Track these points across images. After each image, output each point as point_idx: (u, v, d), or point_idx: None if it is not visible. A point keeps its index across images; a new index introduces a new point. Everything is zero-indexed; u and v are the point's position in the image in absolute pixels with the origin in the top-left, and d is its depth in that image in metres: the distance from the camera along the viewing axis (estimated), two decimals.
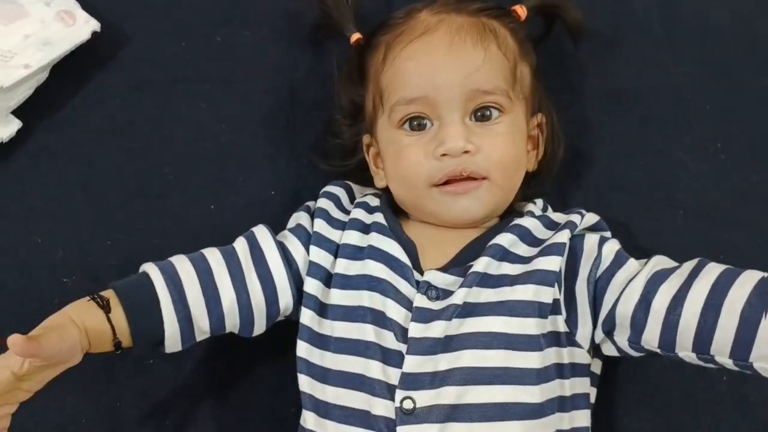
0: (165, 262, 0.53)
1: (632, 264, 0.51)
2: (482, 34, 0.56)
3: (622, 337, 0.51)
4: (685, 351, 0.47)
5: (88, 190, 0.66)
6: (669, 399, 0.59)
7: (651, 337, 0.48)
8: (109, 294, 0.50)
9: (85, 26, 0.68)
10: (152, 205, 0.66)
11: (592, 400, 0.53)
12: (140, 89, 0.69)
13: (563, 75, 0.69)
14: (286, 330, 0.56)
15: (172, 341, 0.51)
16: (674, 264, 0.51)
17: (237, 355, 0.61)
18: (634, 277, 0.50)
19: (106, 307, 0.49)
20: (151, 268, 0.52)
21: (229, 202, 0.65)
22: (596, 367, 0.55)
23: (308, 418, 0.50)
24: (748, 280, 0.46)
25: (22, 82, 0.66)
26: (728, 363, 0.46)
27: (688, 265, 0.49)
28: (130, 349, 0.50)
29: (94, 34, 0.68)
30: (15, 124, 0.67)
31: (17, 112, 0.67)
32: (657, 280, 0.49)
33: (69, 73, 0.68)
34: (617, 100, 0.69)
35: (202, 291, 0.52)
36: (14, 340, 0.42)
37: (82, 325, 0.48)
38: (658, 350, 0.49)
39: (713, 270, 0.48)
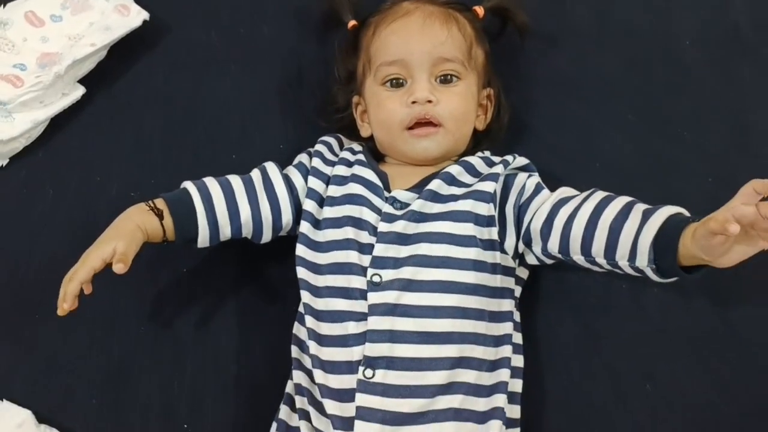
0: (200, 182, 0.71)
1: (545, 193, 0.69)
2: (447, 19, 0.74)
3: (536, 247, 0.68)
4: (576, 255, 0.65)
5: (137, 143, 0.85)
6: (584, 304, 0.76)
7: (553, 246, 0.66)
8: (159, 203, 0.68)
9: (137, 16, 0.87)
10: (187, 156, 0.84)
11: (517, 294, 0.71)
12: (178, 68, 0.89)
13: (513, 63, 0.87)
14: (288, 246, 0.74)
15: (202, 241, 0.70)
16: (576, 193, 0.68)
17: (246, 262, 0.79)
18: (545, 202, 0.68)
19: (160, 215, 0.67)
20: (190, 186, 0.70)
21: (248, 154, 0.82)
22: (522, 273, 0.72)
23: (304, 296, 0.67)
24: (619, 203, 0.63)
25: (87, 58, 0.85)
26: (603, 263, 0.63)
27: (584, 194, 0.67)
28: (172, 242, 0.69)
29: (144, 22, 0.87)
30: (80, 90, 0.86)
31: (82, 81, 0.86)
32: (559, 204, 0.67)
33: (123, 52, 0.87)
34: (555, 84, 0.87)
35: (226, 207, 0.70)
36: (119, 267, 0.61)
37: (144, 228, 0.66)
38: (560, 255, 0.66)
39: (598, 196, 0.65)
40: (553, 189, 0.72)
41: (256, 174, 0.73)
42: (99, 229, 0.68)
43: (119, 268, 0.61)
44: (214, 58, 0.89)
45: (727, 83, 0.86)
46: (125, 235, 0.65)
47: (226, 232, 0.70)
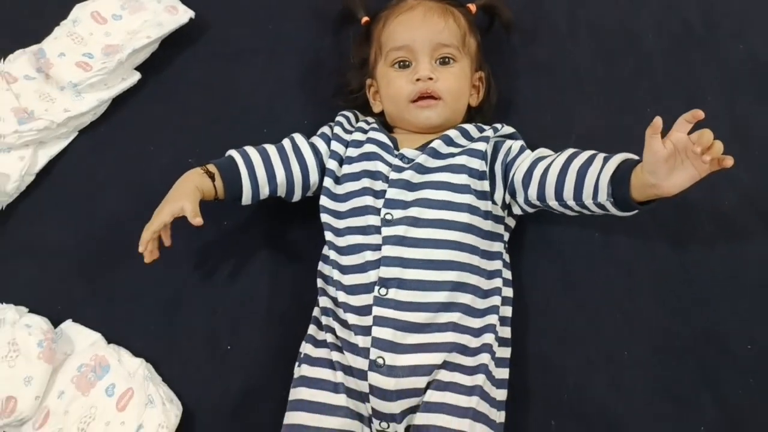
0: (242, 150, 0.85)
1: (527, 152, 0.83)
2: (444, 12, 0.89)
3: (520, 197, 0.81)
4: (551, 200, 0.78)
5: (183, 118, 1.00)
6: (562, 250, 0.90)
7: (533, 193, 0.79)
8: (211, 168, 0.82)
9: (184, 14, 1.03)
10: (225, 130, 0.98)
11: (506, 239, 0.85)
12: (217, 57, 1.04)
13: (500, 54, 1.02)
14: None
15: (246, 199, 0.84)
16: (551, 152, 0.82)
17: (277, 218, 0.93)
18: (526, 159, 0.81)
19: (212, 178, 0.81)
20: (235, 154, 0.84)
21: (276, 129, 0.95)
22: (510, 222, 0.86)
23: (327, 236, 0.81)
24: (585, 154, 0.77)
25: (142, 49, 1.01)
26: (573, 204, 0.76)
27: (559, 151, 0.81)
28: (222, 200, 0.83)
29: (190, 19, 1.03)
30: (136, 76, 1.02)
31: (138, 68, 1.02)
32: (537, 160, 0.80)
33: (171, 44, 1.03)
34: (535, 70, 1.02)
35: (264, 170, 0.84)
36: (197, 221, 0.76)
37: (200, 188, 0.80)
38: (538, 202, 0.79)
39: (569, 151, 0.78)
40: None
41: (286, 142, 0.88)
42: (151, 190, 0.82)
43: (197, 222, 0.76)
44: (246, 48, 1.04)
45: (682, 69, 1.01)
46: (188, 195, 0.78)
47: (264, 191, 0.84)
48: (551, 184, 0.77)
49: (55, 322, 0.86)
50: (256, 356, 0.86)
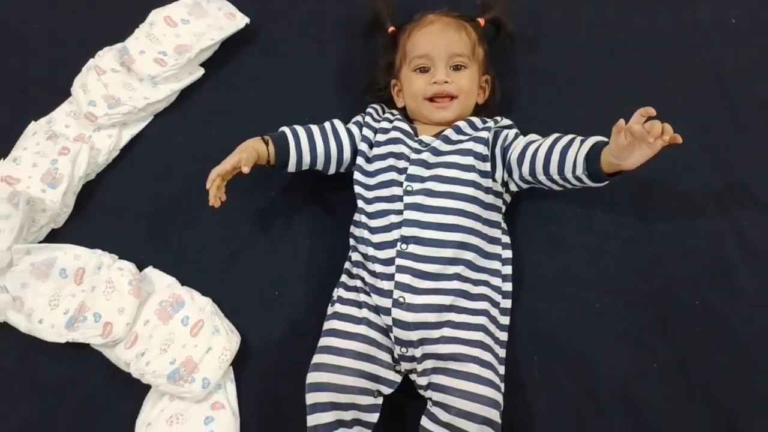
0: (291, 127, 1.04)
1: (521, 138, 1.01)
2: (459, 27, 1.09)
3: (515, 174, 1.00)
4: (540, 175, 0.96)
5: (239, 107, 1.20)
6: (550, 220, 1.09)
7: (525, 171, 0.97)
8: (266, 137, 1.02)
9: (241, 20, 1.23)
10: (272, 117, 1.15)
11: (504, 211, 1.04)
12: (267, 57, 1.24)
13: (504, 59, 1.21)
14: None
15: (291, 165, 1.03)
16: (541, 137, 1.01)
17: (315, 189, 1.12)
18: (520, 142, 1.00)
19: (267, 145, 1.01)
20: (285, 128, 1.04)
21: (315, 118, 1.11)
22: (506, 197, 1.05)
23: (359, 203, 1.01)
24: (568, 137, 0.94)
25: (207, 49, 1.21)
26: (558, 179, 0.94)
27: (546, 136, 1.00)
28: (273, 167, 1.02)
29: (246, 25, 1.23)
30: (201, 71, 1.22)
31: (202, 65, 1.22)
32: (530, 143, 0.98)
33: (230, 45, 1.23)
34: (533, 73, 1.21)
35: (308, 142, 1.03)
36: (246, 168, 0.95)
37: (257, 150, 0.99)
38: (530, 178, 0.97)
39: (555, 135, 0.96)
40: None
41: (327, 124, 1.07)
42: (213, 164, 1.01)
43: (245, 169, 0.95)
44: (291, 51, 1.25)
45: (656, 72, 1.20)
46: (246, 150, 0.98)
47: (306, 160, 1.03)
48: (540, 162, 0.95)
49: (139, 268, 1.06)
50: (298, 300, 1.05)
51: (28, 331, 1.01)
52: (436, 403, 0.89)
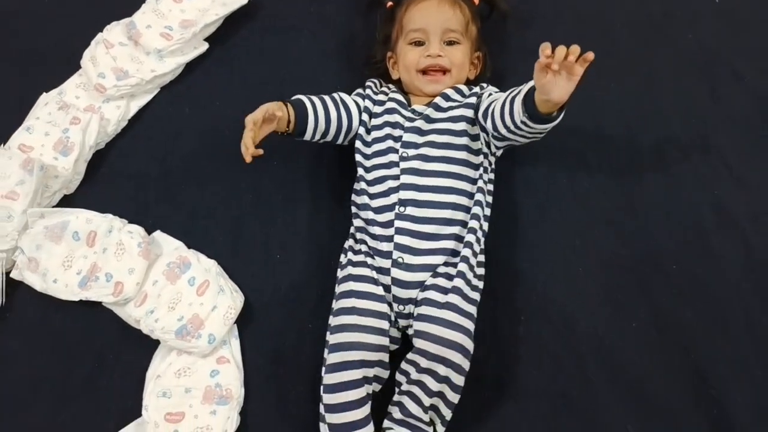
0: (307, 96, 1.08)
1: (494, 96, 1.04)
2: (454, 5, 1.13)
3: (489, 131, 1.02)
4: (501, 129, 0.97)
5: (242, 80, 1.25)
6: (534, 190, 1.15)
7: (490, 126, 0.99)
8: (286, 102, 1.05)
9: None
10: (275, 90, 1.19)
11: (488, 169, 1.08)
12: (269, 33, 1.29)
13: (496, 37, 1.26)
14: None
15: (309, 131, 1.06)
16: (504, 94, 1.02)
17: (319, 162, 1.18)
18: (485, 101, 1.03)
19: (287, 108, 1.04)
20: (302, 97, 1.07)
21: (317, 91, 1.16)
22: (491, 158, 1.09)
23: (359, 171, 1.06)
24: (517, 89, 0.95)
25: (211, 24, 1.26)
26: (513, 128, 0.95)
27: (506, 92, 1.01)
28: (289, 135, 1.06)
29: (249, 1, 1.28)
30: (205, 45, 1.27)
31: (206, 39, 1.27)
32: (493, 100, 1.01)
33: (233, 21, 1.28)
34: (523, 51, 1.20)
35: (324, 112, 1.07)
36: (278, 113, 0.98)
37: (280, 108, 1.01)
38: (495, 132, 0.99)
39: (511, 90, 0.98)
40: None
41: (335, 96, 1.10)
42: (217, 134, 1.09)
43: (279, 114, 0.99)
44: (293, 26, 1.30)
45: (644, 53, 1.26)
46: (272, 104, 0.99)
47: (321, 128, 1.06)
48: (497, 116, 0.99)
49: (148, 232, 1.11)
50: (298, 263, 1.11)
51: (43, 290, 1.07)
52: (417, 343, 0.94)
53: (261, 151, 0.96)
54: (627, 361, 1.03)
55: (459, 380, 0.92)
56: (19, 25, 1.31)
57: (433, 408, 0.94)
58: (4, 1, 1.33)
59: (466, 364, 0.92)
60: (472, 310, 0.97)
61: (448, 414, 0.94)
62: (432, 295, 0.97)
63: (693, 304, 1.06)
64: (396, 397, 0.96)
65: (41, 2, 1.33)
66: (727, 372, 1.02)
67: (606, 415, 0.99)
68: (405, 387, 0.95)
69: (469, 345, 0.93)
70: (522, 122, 0.95)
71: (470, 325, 0.94)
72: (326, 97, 1.10)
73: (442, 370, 0.91)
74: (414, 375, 0.93)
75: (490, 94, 1.07)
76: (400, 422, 0.94)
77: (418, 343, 0.94)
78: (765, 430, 0.98)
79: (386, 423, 0.95)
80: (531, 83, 0.93)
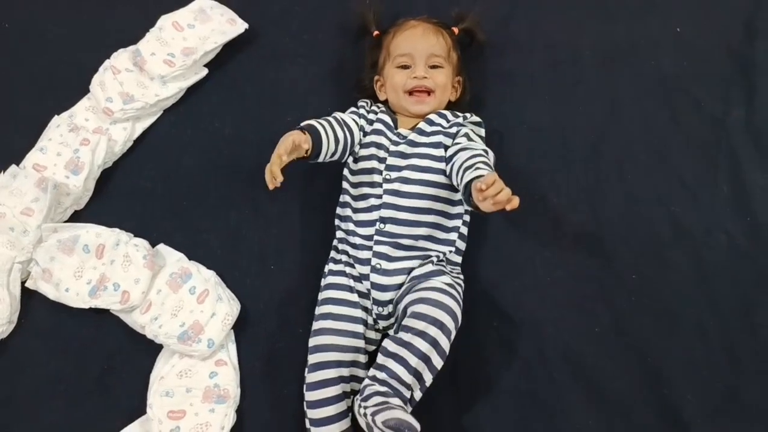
0: (316, 120, 1.12)
1: (459, 145, 1.14)
2: (437, 31, 1.23)
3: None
4: (454, 182, 1.09)
5: (240, 103, 1.33)
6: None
7: (449, 173, 1.12)
8: (304, 129, 1.10)
9: (241, 26, 1.37)
10: (271, 112, 1.31)
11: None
12: (265, 59, 1.37)
13: (474, 63, 1.35)
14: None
15: (324, 153, 1.09)
16: (467, 157, 1.09)
17: (309, 178, 1.26)
18: (457, 156, 1.12)
19: (305, 136, 1.05)
20: (314, 122, 1.12)
21: (309, 113, 1.23)
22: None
23: (345, 185, 1.16)
24: (472, 162, 1.05)
25: (211, 51, 1.35)
26: (457, 188, 1.08)
27: (475, 159, 1.10)
28: (306, 160, 1.08)
29: (246, 29, 1.37)
30: (205, 71, 1.36)
31: (206, 65, 1.36)
32: (457, 152, 1.12)
33: (231, 48, 1.37)
34: (499, 76, 1.35)
35: (333, 134, 1.12)
36: (304, 146, 1.05)
37: (304, 144, 1.06)
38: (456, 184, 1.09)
39: (472, 155, 1.08)
40: (492, 139, 1.23)
41: (337, 116, 1.16)
42: (217, 153, 1.18)
43: (304, 148, 1.04)
44: (287, 53, 1.38)
45: (608, 76, 1.35)
46: (296, 135, 1.03)
47: (331, 149, 1.11)
48: (453, 174, 1.10)
49: (152, 245, 1.20)
50: (291, 273, 1.20)
51: (56, 299, 1.16)
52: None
53: (283, 178, 0.99)
54: (589, 363, 1.13)
55: (446, 345, 0.98)
56: (33, 51, 1.40)
57: (416, 374, 0.97)
58: (22, 33, 1.42)
59: (453, 329, 0.99)
60: (454, 292, 1.03)
61: (429, 379, 0.98)
62: (418, 279, 1.07)
63: (650, 311, 1.16)
64: (380, 360, 0.99)
65: (54, 32, 1.42)
66: (679, 373, 1.12)
67: (569, 412, 1.10)
68: (392, 349, 0.98)
69: (456, 315, 1.00)
70: (462, 197, 1.07)
71: (455, 302, 1.01)
72: (330, 119, 1.15)
73: (432, 331, 0.97)
74: (406, 337, 0.98)
75: (463, 137, 1.15)
76: (382, 382, 0.97)
77: (414, 307, 0.99)
78: (713, 426, 1.09)
79: (366, 381, 0.99)
80: (475, 174, 1.02)
